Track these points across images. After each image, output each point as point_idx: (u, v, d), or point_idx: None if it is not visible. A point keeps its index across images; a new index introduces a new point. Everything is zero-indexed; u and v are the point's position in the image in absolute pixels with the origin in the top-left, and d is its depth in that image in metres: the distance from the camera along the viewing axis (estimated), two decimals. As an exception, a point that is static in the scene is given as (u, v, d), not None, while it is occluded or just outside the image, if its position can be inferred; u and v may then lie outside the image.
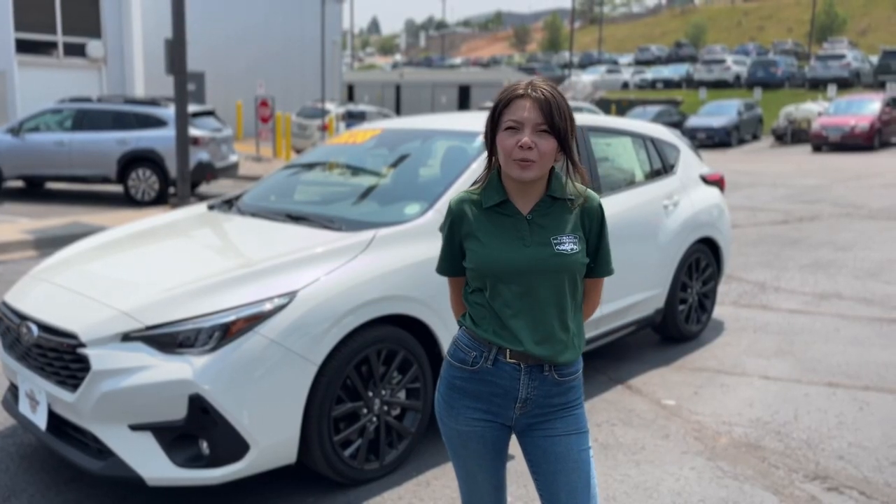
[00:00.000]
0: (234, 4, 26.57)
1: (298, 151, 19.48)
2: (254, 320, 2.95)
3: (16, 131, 12.06)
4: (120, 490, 3.24)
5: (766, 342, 5.25)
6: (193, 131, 11.56)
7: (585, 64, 56.25)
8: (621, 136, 4.98)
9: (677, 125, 25.22)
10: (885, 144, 22.73)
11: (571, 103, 2.05)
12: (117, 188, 12.60)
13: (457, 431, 2.02)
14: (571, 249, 1.90)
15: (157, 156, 11.72)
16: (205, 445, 2.91)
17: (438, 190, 3.78)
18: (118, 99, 12.73)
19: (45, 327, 3.13)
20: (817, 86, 33.52)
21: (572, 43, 48.08)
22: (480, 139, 4.03)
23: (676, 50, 56.82)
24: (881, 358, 4.92)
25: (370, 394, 3.26)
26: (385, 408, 3.32)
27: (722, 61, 38.43)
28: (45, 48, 20.12)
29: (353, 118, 21.52)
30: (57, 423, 3.13)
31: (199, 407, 2.84)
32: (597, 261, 2.01)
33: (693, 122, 26.29)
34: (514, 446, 2.13)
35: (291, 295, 3.04)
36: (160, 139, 11.70)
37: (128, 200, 11.85)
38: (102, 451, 2.96)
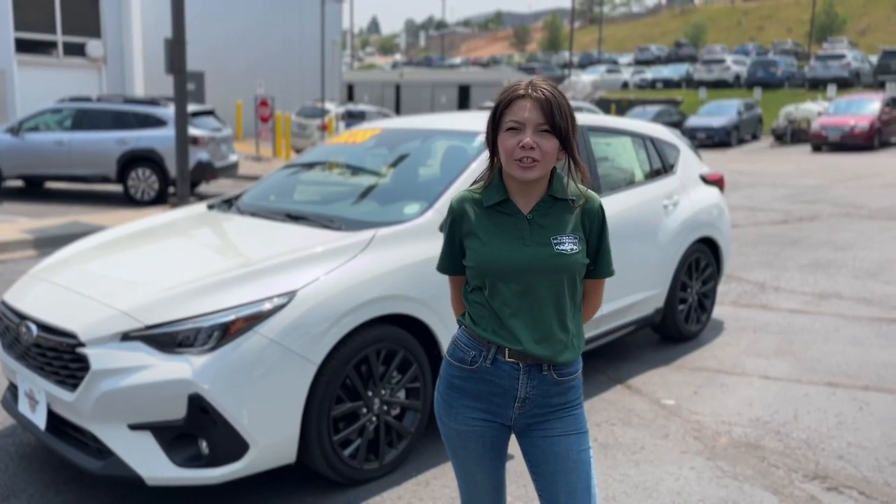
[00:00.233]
0: (233, 4, 26.56)
1: (298, 151, 19.48)
2: (253, 320, 2.95)
3: (15, 131, 12.06)
4: (119, 490, 3.24)
5: (765, 342, 5.25)
6: (193, 131, 11.55)
7: (585, 64, 56.23)
8: (621, 136, 4.98)
9: (677, 125, 25.22)
10: (884, 144, 22.73)
11: (571, 103, 2.06)
12: (117, 188, 12.59)
13: (456, 431, 2.02)
14: (571, 250, 1.90)
15: (157, 155, 11.71)
16: (204, 445, 2.91)
17: (438, 189, 3.78)
18: (118, 98, 12.73)
19: (44, 327, 3.13)
20: (817, 86, 33.52)
21: (572, 43, 48.10)
22: (480, 139, 4.03)
23: (676, 50, 56.81)
24: (881, 358, 4.92)
25: (370, 393, 3.26)
26: (384, 407, 3.32)
27: (722, 61, 38.43)
28: (44, 48, 20.12)
29: (352, 118, 21.51)
30: (56, 422, 3.12)
31: (198, 406, 2.84)
32: (597, 262, 2.01)
33: (693, 121, 26.29)
34: (514, 446, 2.13)
35: (291, 294, 3.04)
36: (160, 139, 11.70)
37: (127, 200, 11.85)
38: (102, 451, 2.95)
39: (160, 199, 11.79)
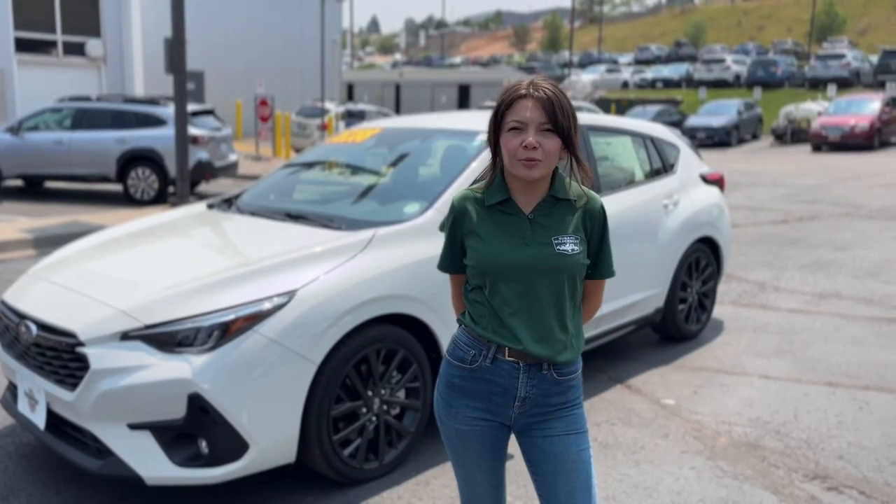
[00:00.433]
0: (233, 3, 26.54)
1: (298, 150, 19.47)
2: (253, 319, 2.94)
3: (15, 130, 12.05)
4: (119, 489, 3.24)
5: (765, 342, 5.25)
6: (193, 130, 11.54)
7: (585, 63, 56.20)
8: (621, 136, 4.98)
9: (677, 125, 25.21)
10: (884, 144, 22.74)
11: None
12: (116, 187, 12.59)
13: (456, 431, 2.02)
14: (572, 250, 1.91)
15: (157, 155, 11.71)
16: (204, 445, 2.91)
17: (438, 189, 3.77)
18: (117, 98, 12.73)
19: (43, 326, 3.12)
20: (817, 85, 33.52)
21: (572, 42, 48.11)
22: (480, 138, 4.02)
23: (676, 49, 56.80)
24: (881, 358, 4.92)
25: (369, 393, 3.26)
26: (384, 407, 3.32)
27: (722, 61, 38.42)
28: (44, 47, 20.12)
29: (352, 117, 21.51)
30: (56, 422, 3.12)
31: (198, 406, 2.84)
32: (598, 262, 2.01)
33: (693, 121, 26.29)
34: (513, 446, 2.12)
35: (291, 294, 3.04)
36: (159, 138, 11.69)
37: (127, 199, 11.85)
38: (101, 451, 2.95)
39: (160, 198, 11.78)
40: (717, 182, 5.64)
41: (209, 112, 12.95)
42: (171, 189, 11.86)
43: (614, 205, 4.34)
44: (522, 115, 1.85)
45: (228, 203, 4.48)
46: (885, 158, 19.68)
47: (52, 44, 20.23)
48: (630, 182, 4.86)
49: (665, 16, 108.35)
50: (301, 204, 4.31)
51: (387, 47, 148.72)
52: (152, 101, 12.28)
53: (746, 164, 18.67)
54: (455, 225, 2.00)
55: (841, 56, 34.39)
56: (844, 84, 32.44)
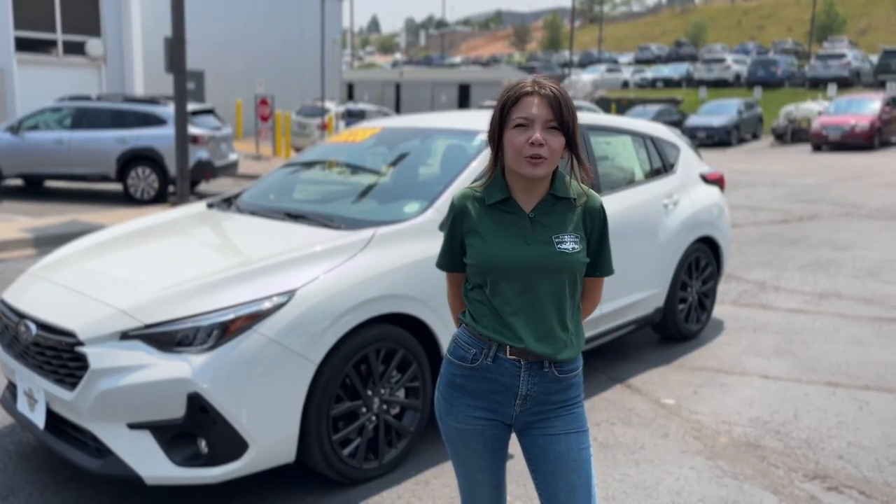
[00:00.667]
0: (233, 3, 26.55)
1: (298, 150, 19.46)
2: (253, 319, 2.94)
3: (15, 129, 12.04)
4: (118, 489, 3.24)
5: (765, 341, 5.25)
6: (193, 130, 11.54)
7: (585, 63, 56.18)
8: (621, 135, 4.98)
9: (677, 124, 25.21)
10: (885, 144, 22.73)
11: (573, 102, 2.09)
12: (117, 187, 12.59)
13: (457, 430, 2.01)
14: (573, 248, 1.91)
15: (157, 154, 11.71)
16: (203, 444, 2.90)
17: (438, 189, 3.77)
18: (117, 97, 12.72)
19: (43, 325, 3.12)
20: (817, 85, 33.51)
21: (572, 42, 48.10)
22: (480, 138, 4.02)
23: (676, 49, 56.78)
24: (881, 357, 4.92)
25: (369, 393, 3.25)
26: (384, 407, 3.32)
27: (722, 60, 38.40)
28: (44, 46, 20.11)
29: (352, 117, 21.51)
30: (55, 421, 3.12)
31: (197, 405, 2.84)
32: (598, 260, 2.02)
33: (693, 121, 26.29)
34: (513, 446, 2.12)
35: (290, 293, 3.04)
36: (159, 138, 11.69)
37: (127, 199, 11.85)
38: (101, 450, 2.95)
39: (160, 197, 11.78)
40: (718, 182, 5.64)
41: (209, 111, 12.95)
42: (171, 188, 11.86)
43: (614, 204, 4.34)
44: (529, 111, 1.85)
45: (228, 202, 4.48)
46: (886, 158, 19.68)
47: (52, 43, 20.23)
48: (630, 182, 4.85)
49: (665, 15, 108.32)
50: (301, 203, 4.31)
51: (387, 47, 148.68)
52: (152, 101, 12.28)
53: (746, 164, 18.67)
54: (455, 223, 1.99)
55: (841, 56, 34.37)
56: (845, 84, 32.43)
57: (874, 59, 36.22)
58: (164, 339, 2.91)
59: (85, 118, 11.99)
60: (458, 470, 2.10)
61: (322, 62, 23.58)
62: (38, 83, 19.44)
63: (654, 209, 4.82)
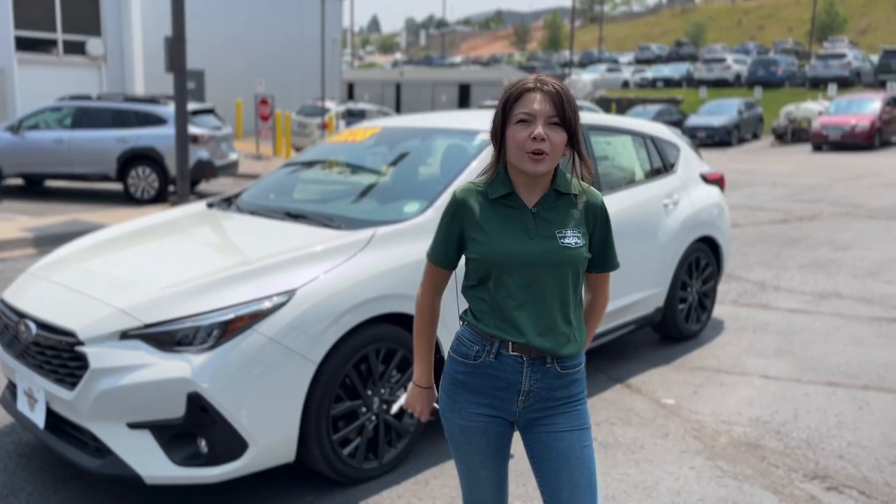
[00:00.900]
0: (233, 2, 26.55)
1: (298, 149, 19.47)
2: (252, 318, 2.94)
3: (15, 129, 12.05)
4: (118, 488, 3.24)
5: (765, 341, 5.25)
6: (193, 129, 11.54)
7: (586, 63, 56.19)
8: (621, 135, 4.98)
9: (677, 124, 25.19)
10: (885, 144, 22.72)
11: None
12: (117, 186, 12.59)
13: (459, 426, 2.02)
14: (575, 243, 1.93)
15: (157, 154, 11.71)
16: (203, 444, 2.90)
17: (438, 188, 3.77)
18: (118, 97, 12.72)
19: (43, 325, 3.12)
20: (818, 85, 33.50)
21: (572, 42, 48.07)
22: (480, 137, 4.02)
23: (677, 49, 56.76)
24: (881, 357, 4.92)
25: (369, 392, 3.25)
26: (384, 406, 3.32)
27: (722, 60, 38.38)
28: (44, 46, 20.11)
29: (352, 116, 21.51)
30: (55, 421, 3.12)
31: (197, 405, 2.84)
32: (603, 256, 2.04)
33: (693, 120, 26.28)
34: (513, 445, 2.12)
35: (290, 293, 3.04)
36: (160, 137, 11.69)
37: (127, 198, 11.85)
38: (101, 450, 2.95)
39: (160, 197, 11.78)
40: (718, 181, 5.64)
41: (209, 111, 12.95)
42: (171, 188, 11.86)
43: (614, 204, 4.33)
44: (531, 107, 1.87)
45: (228, 202, 4.48)
46: (886, 158, 19.67)
47: (53, 43, 20.23)
48: (630, 181, 4.85)
49: (665, 15, 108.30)
50: (301, 203, 4.31)
51: (387, 46, 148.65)
52: (153, 100, 12.28)
53: (747, 164, 18.67)
54: (455, 217, 1.99)
55: (841, 56, 34.36)
56: (845, 84, 32.41)
57: (874, 58, 36.20)
58: (164, 338, 2.91)
59: (85, 118, 11.99)
60: (461, 467, 2.10)
61: (322, 62, 23.59)
62: (38, 83, 19.44)
63: (654, 209, 4.82)
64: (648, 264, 4.72)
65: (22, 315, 3.25)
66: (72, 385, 2.97)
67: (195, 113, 12.13)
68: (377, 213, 3.83)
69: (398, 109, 37.75)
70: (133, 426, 2.89)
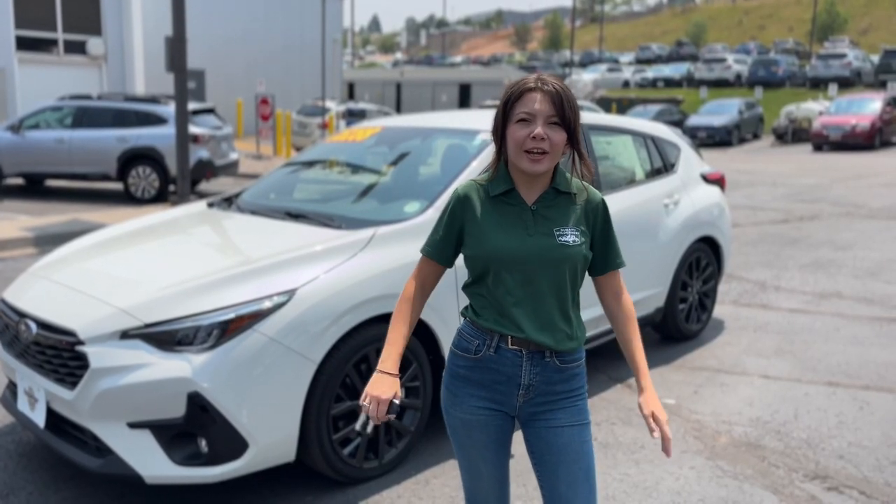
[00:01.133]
0: (234, 2, 26.55)
1: (298, 149, 19.47)
2: (253, 318, 2.94)
3: (16, 128, 12.05)
4: (118, 488, 3.24)
5: (766, 341, 5.25)
6: (193, 129, 11.55)
7: (586, 62, 56.17)
8: (622, 135, 4.98)
9: (678, 124, 25.19)
10: (885, 144, 22.71)
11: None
12: (117, 186, 12.59)
13: (461, 420, 2.04)
14: (573, 241, 1.95)
15: (158, 153, 11.71)
16: (203, 443, 2.90)
17: (438, 188, 3.77)
18: (118, 96, 12.72)
19: (43, 325, 3.12)
20: (818, 85, 33.48)
21: (573, 41, 48.07)
22: (481, 137, 4.02)
23: (677, 49, 56.73)
24: (881, 357, 4.91)
25: (369, 392, 3.25)
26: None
27: (723, 60, 38.36)
28: (45, 45, 20.12)
29: (353, 116, 21.51)
30: (55, 420, 3.12)
31: (197, 405, 2.84)
32: (607, 254, 2.06)
33: (694, 120, 26.27)
34: (514, 446, 2.12)
35: (291, 293, 3.04)
36: (160, 137, 11.69)
37: (128, 198, 11.85)
38: (101, 449, 2.95)
39: (160, 197, 11.78)
40: (718, 181, 5.64)
41: (210, 111, 12.95)
42: (171, 188, 11.87)
43: (615, 204, 4.32)
44: (531, 106, 1.89)
45: (229, 202, 4.48)
46: (886, 158, 19.66)
47: (53, 42, 20.23)
48: (631, 181, 4.85)
49: (666, 15, 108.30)
50: (301, 203, 4.31)
51: (388, 46, 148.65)
52: (153, 100, 12.28)
53: (747, 164, 18.66)
54: (455, 213, 2.01)
55: (842, 56, 34.33)
56: (845, 84, 32.40)
57: (875, 58, 36.18)
58: (165, 338, 2.91)
59: (86, 117, 12.00)
60: (462, 463, 2.12)
61: (323, 61, 23.60)
62: (38, 82, 19.45)
63: (654, 209, 4.81)
64: (649, 264, 4.72)
65: (22, 314, 3.26)
66: (72, 385, 2.97)
67: (196, 112, 12.13)
68: (377, 213, 3.83)
69: (398, 109, 37.74)
70: (133, 426, 2.89)
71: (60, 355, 3.04)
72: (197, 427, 2.88)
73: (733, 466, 3.45)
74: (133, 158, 11.78)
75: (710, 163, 6.32)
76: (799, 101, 28.42)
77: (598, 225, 2.02)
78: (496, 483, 2.10)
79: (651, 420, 1.96)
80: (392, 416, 1.94)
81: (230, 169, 12.95)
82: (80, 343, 2.95)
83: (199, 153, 11.75)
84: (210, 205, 4.49)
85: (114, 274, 3.46)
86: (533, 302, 1.95)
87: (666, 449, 1.96)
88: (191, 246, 3.86)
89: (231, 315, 2.93)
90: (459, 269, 2.09)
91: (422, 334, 3.43)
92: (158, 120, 11.85)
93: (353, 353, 3.14)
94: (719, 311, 5.89)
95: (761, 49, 53.25)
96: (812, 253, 8.12)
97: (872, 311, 5.98)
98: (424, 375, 3.43)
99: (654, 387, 2.08)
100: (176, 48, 9.93)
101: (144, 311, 2.97)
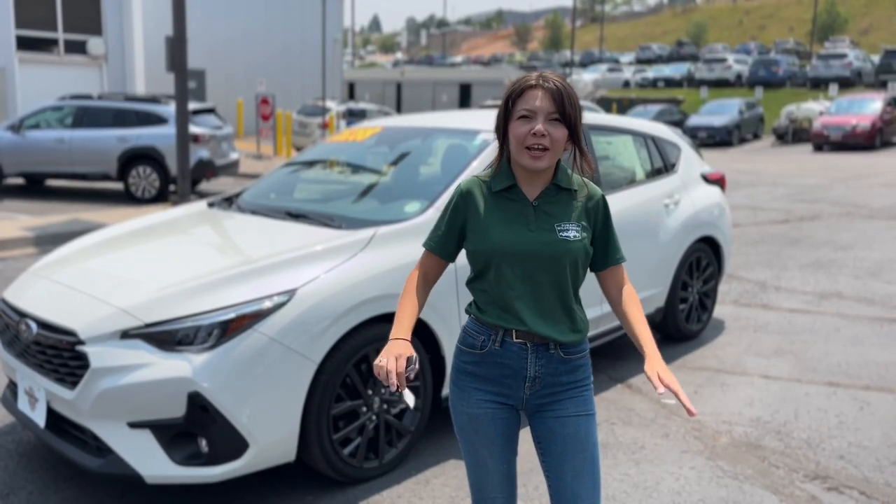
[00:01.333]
0: (234, 2, 26.55)
1: (299, 149, 19.46)
2: (253, 318, 2.94)
3: (16, 128, 12.05)
4: (118, 488, 3.24)
5: (766, 341, 5.25)
6: (194, 129, 11.54)
7: (587, 62, 56.19)
8: (622, 135, 4.98)
9: (678, 124, 25.19)
10: (886, 144, 22.71)
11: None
12: (117, 185, 12.59)
13: (468, 416, 2.06)
14: (574, 236, 1.97)
15: (158, 153, 11.71)
16: (204, 443, 2.91)
17: (439, 188, 3.77)
18: (119, 96, 12.72)
19: (43, 324, 3.12)
20: (819, 85, 33.48)
21: (573, 41, 48.04)
22: (481, 137, 4.02)
23: (678, 49, 56.72)
24: (881, 357, 4.91)
25: (370, 392, 3.25)
26: (384, 406, 3.32)
27: (723, 60, 38.36)
28: (45, 45, 20.12)
29: (353, 116, 21.51)
30: (56, 420, 3.12)
31: (197, 405, 2.84)
32: (608, 249, 2.08)
33: (694, 120, 26.26)
34: (518, 444, 2.12)
35: (291, 293, 3.04)
36: (161, 137, 11.69)
37: (128, 198, 11.85)
38: (101, 449, 2.95)
39: (161, 196, 11.79)
40: (718, 181, 5.63)
41: (210, 110, 12.95)
42: (171, 187, 11.87)
43: (615, 204, 4.31)
44: (532, 103, 1.92)
45: (229, 202, 4.48)
46: (887, 158, 19.66)
47: (54, 42, 20.23)
48: (631, 181, 4.85)
49: (666, 15, 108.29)
50: (302, 203, 4.31)
51: (388, 46, 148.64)
52: (153, 100, 12.28)
53: (747, 164, 18.66)
54: (458, 208, 2.04)
55: (843, 56, 34.32)
56: (846, 84, 32.40)
57: (876, 59, 36.18)
58: (165, 338, 2.91)
59: (86, 117, 12.00)
60: (469, 460, 2.12)
61: (323, 61, 23.61)
62: (39, 82, 19.45)
63: (654, 209, 4.81)
64: (649, 264, 4.72)
65: (23, 314, 3.26)
66: (72, 384, 2.97)
67: (196, 112, 12.13)
68: (378, 213, 3.83)
69: (399, 109, 37.74)
70: (134, 425, 2.89)
71: (61, 355, 3.04)
72: (197, 427, 2.88)
73: (733, 466, 3.45)
74: (133, 158, 11.79)
75: (710, 163, 6.32)
76: (799, 102, 28.41)
77: (599, 220, 2.05)
78: (503, 479, 2.11)
79: (656, 378, 1.90)
80: (411, 375, 1.86)
81: (230, 169, 12.96)
82: (81, 343, 2.95)
83: (200, 153, 11.75)
84: (210, 204, 4.49)
85: (114, 274, 3.45)
86: (534, 296, 1.97)
87: (688, 410, 1.86)
88: (191, 246, 3.86)
89: (231, 315, 2.93)
90: (460, 269, 2.10)
91: (422, 334, 3.43)
92: (159, 120, 11.86)
93: (354, 353, 3.14)
94: (720, 311, 5.89)
95: (762, 49, 53.25)
96: (812, 253, 8.12)
97: (873, 311, 5.98)
98: (425, 376, 3.43)
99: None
100: (176, 48, 9.94)
101: (145, 311, 2.97)
